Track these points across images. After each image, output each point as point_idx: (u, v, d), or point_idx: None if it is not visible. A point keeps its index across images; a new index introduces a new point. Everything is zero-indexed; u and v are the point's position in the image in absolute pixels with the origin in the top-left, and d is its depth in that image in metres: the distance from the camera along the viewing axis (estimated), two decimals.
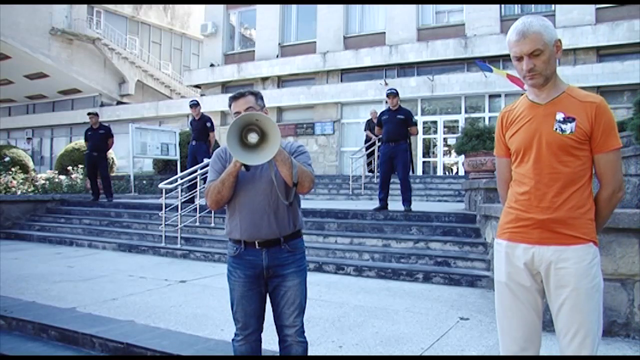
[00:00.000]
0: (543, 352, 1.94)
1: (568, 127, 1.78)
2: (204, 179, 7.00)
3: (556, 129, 1.80)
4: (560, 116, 1.80)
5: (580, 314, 1.75)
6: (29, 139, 22.25)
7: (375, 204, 7.67)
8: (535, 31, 1.78)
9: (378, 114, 12.66)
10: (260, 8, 19.51)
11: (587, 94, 1.84)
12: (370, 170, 12.95)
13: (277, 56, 19.03)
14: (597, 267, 1.80)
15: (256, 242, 2.22)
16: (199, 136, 8.94)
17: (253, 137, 1.99)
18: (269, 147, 1.96)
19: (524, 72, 1.81)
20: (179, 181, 7.71)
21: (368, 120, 13.19)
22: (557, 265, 1.78)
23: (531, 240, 1.83)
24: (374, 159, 12.63)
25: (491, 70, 12.10)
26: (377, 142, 12.13)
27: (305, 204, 8.35)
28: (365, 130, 13.26)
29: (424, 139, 16.49)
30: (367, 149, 12.61)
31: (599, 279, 1.79)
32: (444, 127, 16.34)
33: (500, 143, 2.01)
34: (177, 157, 13.11)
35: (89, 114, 9.97)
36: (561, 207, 1.79)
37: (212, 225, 7.80)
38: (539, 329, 1.89)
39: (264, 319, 2.31)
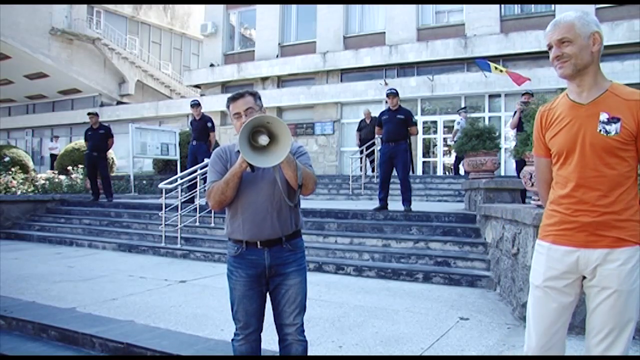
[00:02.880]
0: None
1: (613, 128, 1.72)
2: (204, 179, 7.00)
3: (600, 130, 1.73)
4: (604, 117, 1.74)
5: (617, 315, 1.74)
6: (55, 137, 22.06)
7: (375, 204, 7.66)
8: (567, 21, 1.78)
9: (371, 113, 12.71)
10: (260, 8, 19.51)
11: (632, 91, 1.78)
12: (372, 169, 12.86)
13: (277, 56, 19.03)
14: None
15: (258, 242, 2.22)
16: (199, 136, 8.94)
17: (263, 140, 1.98)
18: (279, 150, 1.95)
19: (553, 60, 1.80)
20: (179, 181, 7.71)
21: (361, 121, 13.14)
22: (603, 267, 1.75)
23: (577, 243, 1.78)
24: (374, 158, 12.62)
25: (489, 69, 12.08)
26: (376, 142, 12.10)
27: (305, 204, 8.34)
28: (357, 130, 13.16)
29: (423, 139, 16.49)
30: (367, 148, 12.56)
31: None
32: (444, 127, 16.33)
33: (540, 143, 1.96)
34: (177, 157, 13.10)
35: (89, 113, 9.97)
36: (607, 210, 1.74)
37: (212, 225, 7.79)
38: (564, 334, 1.88)
39: (264, 318, 2.32)
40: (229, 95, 2.30)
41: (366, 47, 17.23)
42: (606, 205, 1.74)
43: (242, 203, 2.22)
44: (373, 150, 12.63)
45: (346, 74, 17.92)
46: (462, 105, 15.10)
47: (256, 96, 2.29)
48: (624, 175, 1.75)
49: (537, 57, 14.19)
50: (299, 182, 2.09)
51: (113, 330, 3.64)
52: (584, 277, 1.82)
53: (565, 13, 1.83)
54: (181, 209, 7.42)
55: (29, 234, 9.04)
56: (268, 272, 2.24)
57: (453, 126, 13.88)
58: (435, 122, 16.49)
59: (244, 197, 2.21)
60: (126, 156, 16.29)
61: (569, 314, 1.87)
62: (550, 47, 1.82)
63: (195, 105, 8.97)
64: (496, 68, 11.82)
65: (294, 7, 19.08)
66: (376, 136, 10.96)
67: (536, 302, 1.88)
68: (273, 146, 1.98)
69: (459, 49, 15.71)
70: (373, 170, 12.84)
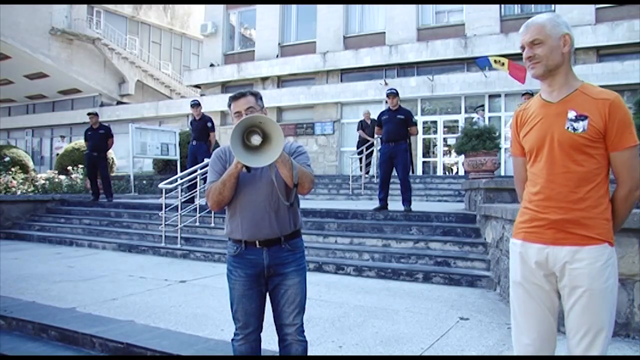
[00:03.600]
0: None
1: (580, 126, 1.75)
2: (204, 179, 7.00)
3: (568, 127, 1.77)
4: (572, 114, 1.78)
5: (592, 315, 1.74)
6: (62, 136, 22.01)
7: (375, 204, 7.67)
8: (538, 23, 1.83)
9: (371, 115, 12.72)
10: (260, 8, 19.52)
11: (601, 90, 1.81)
12: (367, 172, 12.82)
13: (277, 56, 19.03)
14: (612, 267, 1.77)
15: (257, 242, 2.23)
16: (199, 136, 8.94)
17: (256, 140, 1.98)
18: (271, 149, 1.96)
19: (525, 61, 1.85)
20: (179, 181, 7.71)
21: (361, 121, 13.17)
22: (572, 266, 1.77)
23: (545, 240, 1.81)
24: (372, 159, 12.62)
25: (490, 65, 12.06)
26: (374, 142, 12.10)
27: (305, 204, 8.35)
28: (358, 130, 13.23)
29: (424, 139, 16.49)
30: (367, 149, 12.58)
31: (614, 280, 1.77)
32: (444, 127, 16.34)
33: (516, 142, 2.00)
34: (177, 157, 13.11)
35: (88, 114, 9.97)
36: (575, 207, 1.76)
37: (212, 225, 7.79)
38: (554, 329, 1.88)
39: (263, 318, 2.32)
40: (231, 94, 2.31)
41: (366, 47, 17.24)
42: (574, 202, 1.77)
43: (241, 203, 2.22)
44: (370, 152, 12.63)
45: (346, 74, 17.92)
46: (462, 106, 15.09)
47: (258, 96, 2.29)
48: (592, 173, 1.77)
49: None
50: (294, 181, 2.09)
51: (113, 330, 3.64)
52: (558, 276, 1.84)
53: (537, 15, 1.88)
54: (181, 209, 7.42)
55: (29, 234, 9.04)
56: (267, 271, 2.24)
57: (457, 126, 13.87)
58: (435, 122, 16.49)
59: (243, 197, 2.22)
60: (126, 156, 16.28)
61: (554, 310, 1.87)
62: (523, 48, 1.88)
63: (196, 105, 8.98)
64: (496, 62, 11.80)
65: (294, 7, 19.08)
66: (375, 136, 10.97)
67: (518, 299, 1.91)
68: (266, 146, 1.99)
69: (459, 49, 15.71)
70: (367, 173, 12.81)
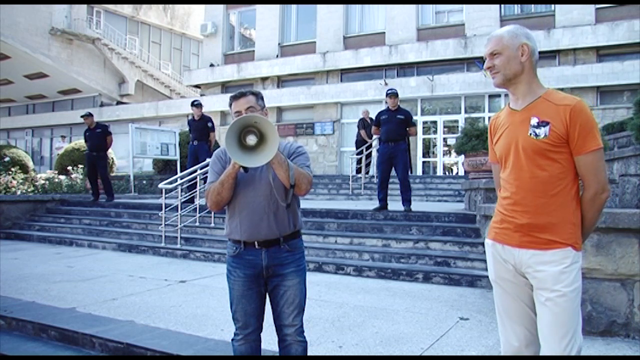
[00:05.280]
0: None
1: (542, 132, 1.80)
2: (204, 179, 7.00)
3: (530, 133, 1.83)
4: (534, 121, 1.83)
5: (558, 317, 1.77)
6: (63, 136, 21.94)
7: (375, 204, 7.67)
8: (497, 35, 1.91)
9: (369, 113, 12.70)
10: (260, 8, 19.52)
11: (564, 96, 1.85)
12: (367, 172, 12.81)
13: (277, 56, 19.03)
14: (577, 271, 1.80)
15: (255, 242, 2.23)
16: (200, 136, 8.95)
17: (251, 140, 2.00)
18: (267, 149, 1.97)
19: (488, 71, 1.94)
20: (179, 181, 7.71)
21: (361, 119, 13.17)
22: (536, 269, 1.81)
23: (512, 242, 1.88)
24: (371, 159, 12.60)
25: None
26: (373, 143, 12.09)
27: (305, 204, 8.35)
28: (359, 128, 13.22)
29: (423, 139, 16.49)
30: (366, 149, 12.58)
31: (579, 283, 1.81)
32: (444, 127, 16.34)
33: (491, 149, 2.08)
34: (177, 157, 13.10)
35: (82, 116, 9.95)
36: (541, 212, 1.81)
37: (212, 225, 7.80)
38: (535, 323, 1.90)
39: (263, 318, 2.32)
40: (232, 94, 2.32)
41: (366, 47, 17.24)
42: (539, 206, 1.82)
43: (240, 203, 2.23)
44: (370, 152, 12.62)
45: (346, 74, 17.92)
46: (462, 106, 15.07)
47: (258, 96, 2.30)
48: (557, 177, 1.81)
49: None
50: (291, 182, 2.09)
51: (113, 330, 3.64)
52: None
53: (502, 28, 1.96)
54: (181, 209, 7.42)
55: (29, 234, 9.04)
56: (265, 272, 2.24)
57: (457, 126, 13.85)
58: (435, 122, 16.48)
59: (242, 198, 2.22)
60: (126, 156, 16.28)
61: (532, 305, 1.89)
62: (486, 59, 1.95)
63: (198, 105, 8.99)
64: None
65: (294, 7, 19.08)
66: (374, 136, 10.96)
67: (497, 297, 1.99)
68: (262, 145, 2.00)
69: (459, 49, 15.71)
70: (367, 173, 12.79)
